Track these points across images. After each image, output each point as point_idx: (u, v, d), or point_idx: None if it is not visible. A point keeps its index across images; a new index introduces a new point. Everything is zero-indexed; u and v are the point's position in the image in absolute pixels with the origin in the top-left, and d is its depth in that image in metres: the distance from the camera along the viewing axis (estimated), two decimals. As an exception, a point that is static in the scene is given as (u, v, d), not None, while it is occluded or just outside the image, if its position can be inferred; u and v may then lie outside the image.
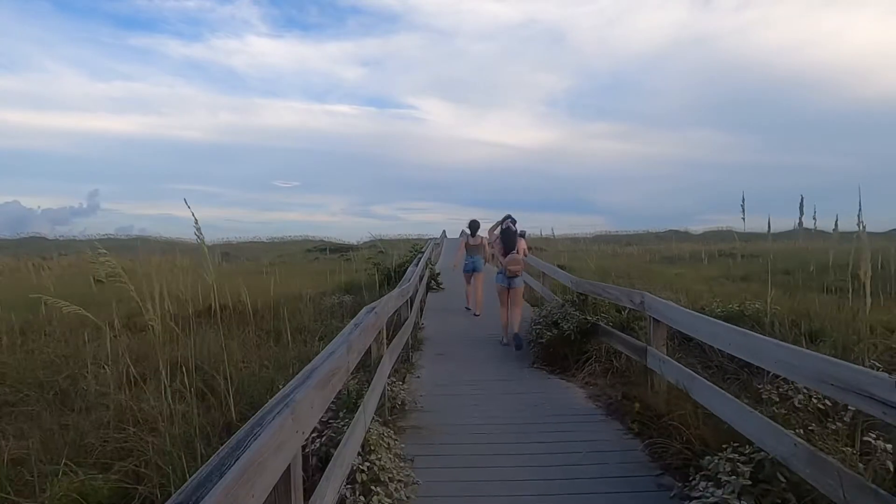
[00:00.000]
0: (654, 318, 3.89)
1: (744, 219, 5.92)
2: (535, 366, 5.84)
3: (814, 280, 11.94)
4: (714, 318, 3.79)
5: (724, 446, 2.68)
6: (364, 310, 3.70)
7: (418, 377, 5.47)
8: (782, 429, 2.38)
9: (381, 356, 3.88)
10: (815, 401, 3.00)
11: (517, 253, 6.69)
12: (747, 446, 2.56)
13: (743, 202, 5.70)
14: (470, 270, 9.14)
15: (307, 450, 2.61)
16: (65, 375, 5.63)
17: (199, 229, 2.87)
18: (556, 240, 25.80)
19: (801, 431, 2.51)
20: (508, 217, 6.95)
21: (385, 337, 4.04)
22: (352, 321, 3.37)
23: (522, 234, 7.93)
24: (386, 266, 11.19)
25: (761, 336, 2.48)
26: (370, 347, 3.81)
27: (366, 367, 4.00)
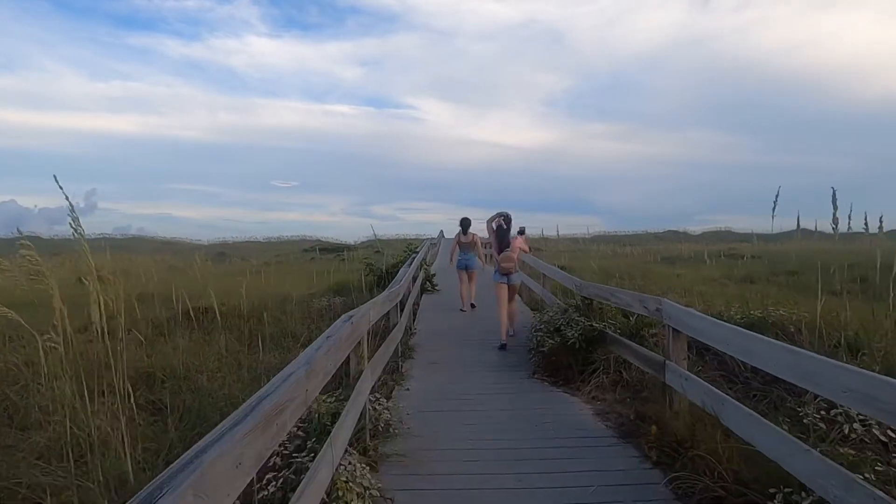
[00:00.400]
0: (673, 329, 3.40)
1: (773, 217, 5.45)
2: (535, 376, 5.35)
3: (822, 281, 11.50)
4: (733, 325, 3.32)
5: (771, 491, 2.19)
6: (341, 319, 3.20)
7: (408, 389, 4.97)
8: (850, 474, 1.89)
9: (362, 371, 3.39)
10: (875, 431, 2.52)
11: (511, 251, 6.88)
12: (803, 493, 2.08)
13: (776, 199, 5.24)
14: (463, 267, 9.11)
15: (259, 496, 2.12)
16: (19, 386, 5.13)
17: (76, 219, 2.37)
18: (557, 240, 25.32)
19: (872, 476, 2.02)
20: (502, 215, 7.07)
21: (366, 349, 3.55)
22: (324, 333, 2.87)
23: (522, 232, 7.69)
24: (378, 267, 10.68)
25: (820, 356, 1.98)
26: (349, 359, 3.33)
27: (347, 377, 3.52)
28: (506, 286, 6.91)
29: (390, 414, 3.77)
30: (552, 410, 4.30)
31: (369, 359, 3.69)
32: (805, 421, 2.96)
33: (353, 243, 35.93)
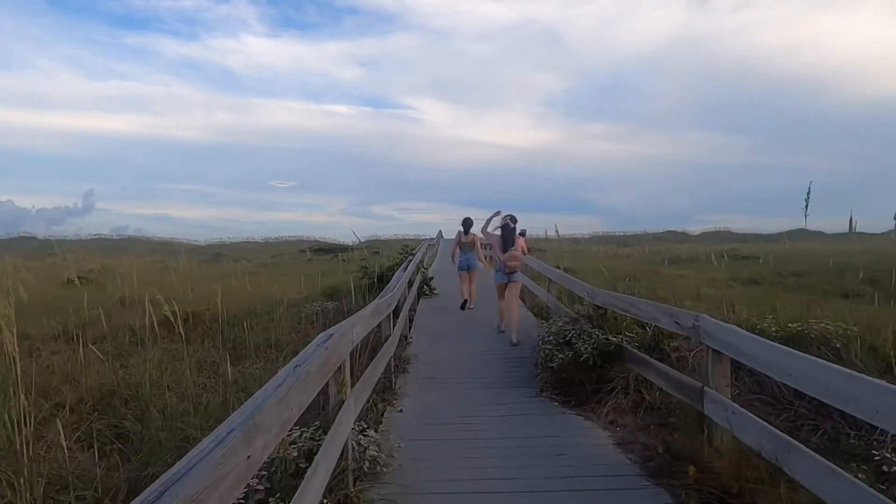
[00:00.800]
0: (713, 350, 2.85)
1: (806, 216, 4.95)
2: (543, 394, 4.81)
3: (832, 284, 10.97)
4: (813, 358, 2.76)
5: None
6: (315, 341, 2.65)
7: (400, 411, 4.43)
8: None
9: (343, 402, 2.83)
10: None
11: (515, 249, 6.92)
12: None
13: (807, 196, 4.75)
14: (465, 268, 9.11)
15: None
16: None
17: None
18: (560, 240, 24.70)
19: None
20: (500, 212, 7.13)
21: (349, 374, 2.99)
22: (292, 361, 2.32)
23: (522, 233, 7.76)
24: (372, 270, 10.13)
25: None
26: (327, 386, 2.78)
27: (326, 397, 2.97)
28: (506, 284, 7.03)
29: (378, 448, 3.21)
30: (566, 439, 3.75)
31: (353, 385, 3.14)
32: (885, 469, 2.42)
33: (350, 244, 35.41)
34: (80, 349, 4.82)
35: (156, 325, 4.63)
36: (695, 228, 46.67)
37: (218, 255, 32.56)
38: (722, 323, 2.82)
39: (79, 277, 13.90)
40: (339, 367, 2.84)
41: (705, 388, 2.90)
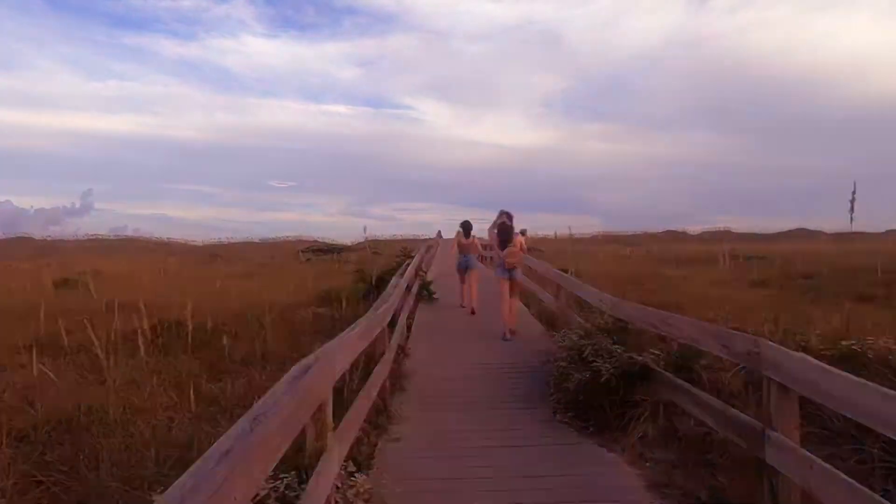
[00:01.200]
0: (778, 384, 2.32)
1: (852, 219, 4.44)
2: (558, 417, 4.28)
3: (845, 287, 10.48)
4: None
5: None
6: (288, 375, 2.12)
7: (397, 439, 3.89)
8: None
9: (323, 449, 2.30)
10: None
11: (514, 246, 6.98)
12: None
13: (853, 196, 4.24)
14: (464, 268, 9.16)
15: None
16: None
17: None
18: (559, 240, 24.10)
19: None
20: (505, 213, 7.13)
21: (331, 414, 2.46)
22: (251, 410, 1.78)
23: (523, 232, 7.98)
24: (368, 274, 9.62)
25: None
26: (305, 430, 2.25)
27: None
28: (508, 281, 7.08)
29: (368, 499, 2.68)
30: (589, 478, 3.22)
31: (339, 423, 2.61)
32: None
33: (350, 244, 34.92)
34: (34, 366, 4.27)
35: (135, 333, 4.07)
36: (695, 228, 46.10)
37: (215, 256, 32.06)
38: (792, 353, 2.28)
39: (66, 280, 13.39)
40: (321, 405, 2.32)
41: (768, 431, 2.36)
